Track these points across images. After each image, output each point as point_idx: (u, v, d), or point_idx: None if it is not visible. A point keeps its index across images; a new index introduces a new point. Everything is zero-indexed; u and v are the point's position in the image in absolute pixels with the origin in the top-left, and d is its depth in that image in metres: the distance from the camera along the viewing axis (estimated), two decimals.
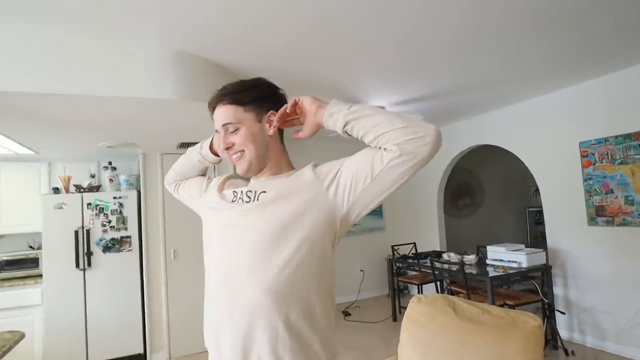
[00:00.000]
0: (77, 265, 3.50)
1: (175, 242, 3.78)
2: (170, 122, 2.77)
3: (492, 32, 2.30)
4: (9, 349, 1.74)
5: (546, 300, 3.37)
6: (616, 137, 3.21)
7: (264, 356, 0.88)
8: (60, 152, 3.71)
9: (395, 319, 4.41)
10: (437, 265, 3.88)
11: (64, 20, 1.85)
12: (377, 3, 1.88)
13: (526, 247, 3.65)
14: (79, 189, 3.71)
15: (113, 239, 3.63)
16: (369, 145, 0.88)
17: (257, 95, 0.97)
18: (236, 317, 0.90)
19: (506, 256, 3.53)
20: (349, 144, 2.55)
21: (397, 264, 4.55)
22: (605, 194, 3.29)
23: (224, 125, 0.96)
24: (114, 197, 3.68)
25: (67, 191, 3.72)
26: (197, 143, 1.21)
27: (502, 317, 1.63)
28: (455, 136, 4.82)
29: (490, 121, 4.35)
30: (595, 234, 3.38)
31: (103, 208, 3.63)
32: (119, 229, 3.65)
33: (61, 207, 3.52)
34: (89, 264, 3.54)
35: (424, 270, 4.18)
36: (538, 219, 6.05)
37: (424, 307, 1.84)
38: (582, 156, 3.45)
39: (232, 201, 1.01)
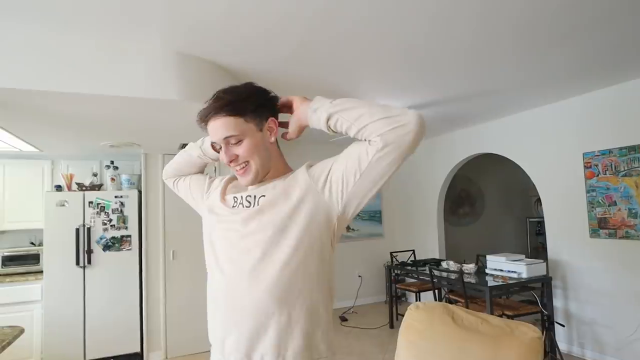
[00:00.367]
0: (78, 263, 3.51)
1: (175, 242, 3.78)
2: (173, 123, 2.78)
3: (500, 43, 2.31)
4: (9, 344, 1.76)
5: (545, 312, 3.33)
6: (620, 148, 3.20)
7: (267, 355, 0.89)
8: (64, 151, 3.74)
9: (392, 326, 4.39)
10: (436, 273, 3.85)
11: (73, 21, 1.87)
12: (388, 11, 1.88)
13: (526, 257, 3.61)
14: (81, 187, 3.73)
15: (113, 237, 3.64)
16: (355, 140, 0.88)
17: (255, 103, 0.95)
18: (240, 318, 0.91)
19: (506, 266, 3.49)
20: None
21: (396, 271, 4.53)
22: (608, 205, 3.27)
23: (225, 138, 0.94)
24: (115, 196, 3.69)
25: (70, 189, 3.74)
26: None
27: (501, 327, 1.62)
28: (455, 144, 4.81)
29: (492, 130, 4.34)
30: (597, 246, 3.36)
31: (104, 207, 3.64)
32: (119, 228, 3.66)
33: (63, 205, 3.53)
34: (89, 262, 3.54)
35: (422, 277, 4.16)
36: (539, 229, 6.01)
37: (422, 314, 1.83)
38: (586, 167, 3.43)
39: (233, 206, 1.01)
